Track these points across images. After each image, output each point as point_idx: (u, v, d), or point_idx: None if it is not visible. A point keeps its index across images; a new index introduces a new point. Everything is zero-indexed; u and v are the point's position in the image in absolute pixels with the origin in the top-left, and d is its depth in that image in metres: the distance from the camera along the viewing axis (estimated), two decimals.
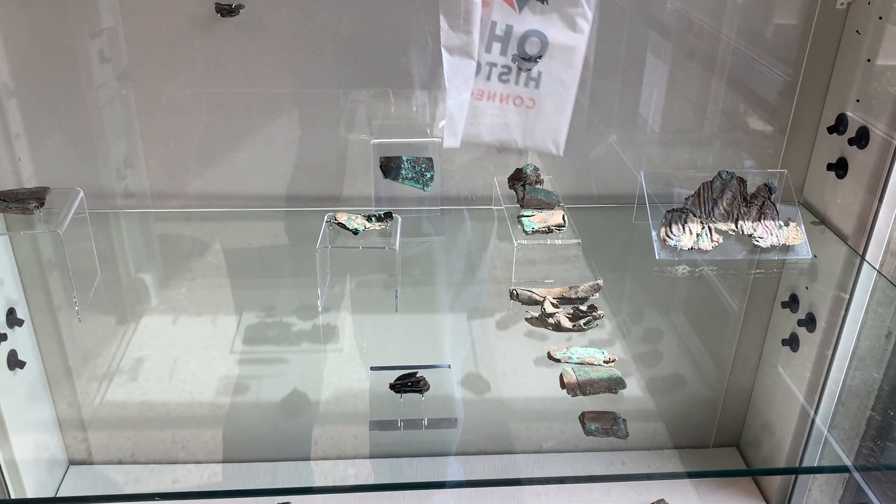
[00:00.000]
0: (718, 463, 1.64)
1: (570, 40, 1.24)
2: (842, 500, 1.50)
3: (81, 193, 1.24)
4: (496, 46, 1.25)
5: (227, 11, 1.22)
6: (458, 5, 1.19)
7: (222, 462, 1.60)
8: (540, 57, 1.27)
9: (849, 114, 1.28)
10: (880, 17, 1.21)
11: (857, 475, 1.44)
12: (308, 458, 1.61)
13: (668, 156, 1.43)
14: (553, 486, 1.56)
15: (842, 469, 1.48)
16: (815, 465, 1.43)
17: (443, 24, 1.20)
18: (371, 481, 1.59)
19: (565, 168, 1.41)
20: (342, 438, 1.61)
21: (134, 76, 1.29)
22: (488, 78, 1.27)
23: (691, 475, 1.67)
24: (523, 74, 1.27)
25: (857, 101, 1.26)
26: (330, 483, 1.58)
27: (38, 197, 1.20)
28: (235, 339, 1.52)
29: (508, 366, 1.55)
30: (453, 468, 1.57)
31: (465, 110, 1.28)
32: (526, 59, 1.26)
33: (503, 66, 1.26)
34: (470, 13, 1.19)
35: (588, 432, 1.03)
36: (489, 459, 1.61)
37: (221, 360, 1.53)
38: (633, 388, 1.61)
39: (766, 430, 1.56)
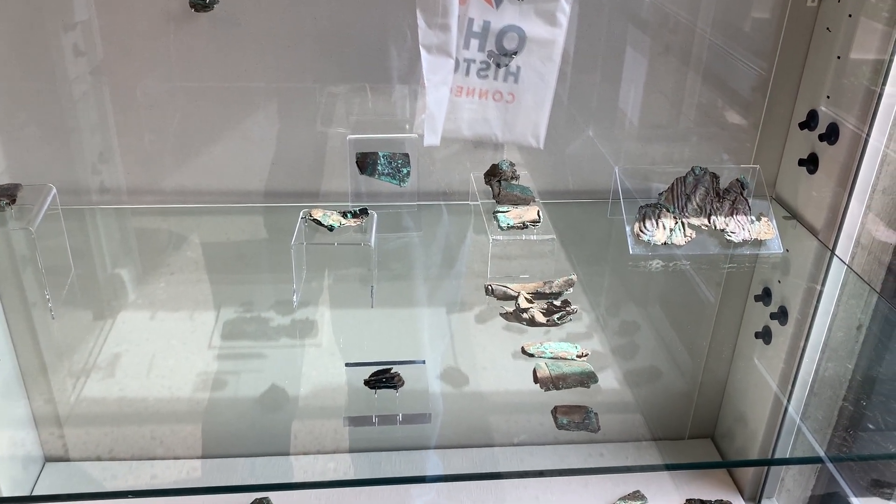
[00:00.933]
0: (693, 454, 1.66)
1: (548, 34, 1.25)
2: (814, 489, 1.53)
3: (54, 190, 1.23)
4: (474, 43, 1.26)
5: (200, 6, 1.22)
6: (435, 3, 1.19)
7: (201, 458, 1.60)
8: (516, 52, 1.28)
9: (820, 109, 1.30)
10: (850, 15, 1.22)
11: (830, 465, 1.47)
12: (287, 453, 1.61)
13: (645, 151, 1.44)
14: (532, 478, 1.58)
15: (816, 460, 1.51)
16: (788, 455, 1.46)
17: (420, 22, 1.20)
18: (351, 475, 1.60)
19: (543, 163, 1.42)
20: (322, 433, 1.62)
21: (108, 70, 1.28)
22: (467, 74, 1.28)
23: (669, 467, 1.69)
24: (502, 69, 1.28)
25: (828, 97, 1.28)
26: (309, 478, 1.59)
27: (9, 194, 1.19)
28: (213, 335, 1.52)
29: (486, 360, 1.56)
30: (432, 462, 1.58)
31: (445, 108, 1.28)
32: (502, 55, 1.27)
33: (482, 62, 1.27)
34: (447, 11, 1.20)
35: (560, 426, 1.04)
36: (467, 453, 1.62)
37: (200, 355, 1.53)
38: (611, 381, 1.62)
39: (740, 422, 1.58)
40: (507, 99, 1.30)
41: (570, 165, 1.43)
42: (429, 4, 1.19)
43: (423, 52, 1.22)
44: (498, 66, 1.27)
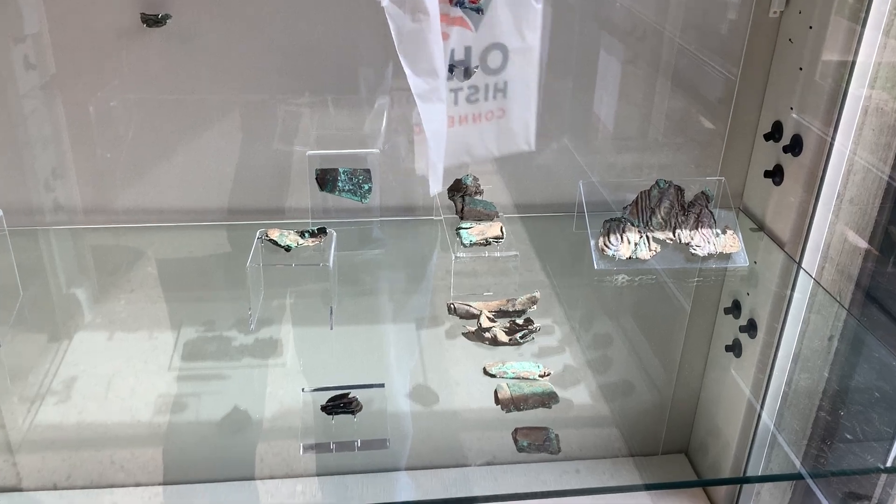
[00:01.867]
0: (668, 470, 1.64)
1: (527, 41, 1.24)
2: (790, 502, 1.51)
3: (0, 213, 1.19)
4: (457, 71, 1.25)
5: (153, 22, 1.19)
6: (418, 50, 1.15)
7: (163, 484, 1.55)
8: (477, 67, 1.26)
9: (789, 119, 1.29)
10: (811, 27, 1.22)
11: (809, 481, 1.45)
12: (253, 478, 1.57)
13: (613, 162, 1.43)
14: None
15: (795, 476, 1.49)
16: (761, 468, 1.44)
17: (408, 71, 1.15)
18: (319, 499, 1.56)
19: (510, 176, 1.40)
20: (290, 455, 1.58)
21: (60, 86, 1.24)
22: (455, 103, 1.26)
23: (648, 487, 1.67)
24: (491, 88, 1.27)
25: (791, 108, 1.27)
26: (276, 502, 1.55)
27: None
28: (174, 355, 1.48)
29: (451, 378, 1.53)
30: (401, 483, 1.54)
31: (443, 153, 1.26)
32: (465, 67, 1.25)
33: (469, 87, 1.26)
34: (433, 56, 1.16)
35: (520, 449, 1.02)
36: (437, 474, 1.59)
37: (160, 376, 1.49)
38: (583, 397, 1.60)
39: (713, 437, 1.57)
40: (497, 115, 1.29)
41: (538, 178, 1.42)
42: (411, 52, 1.15)
43: (417, 101, 1.18)
44: (466, 76, 1.26)
